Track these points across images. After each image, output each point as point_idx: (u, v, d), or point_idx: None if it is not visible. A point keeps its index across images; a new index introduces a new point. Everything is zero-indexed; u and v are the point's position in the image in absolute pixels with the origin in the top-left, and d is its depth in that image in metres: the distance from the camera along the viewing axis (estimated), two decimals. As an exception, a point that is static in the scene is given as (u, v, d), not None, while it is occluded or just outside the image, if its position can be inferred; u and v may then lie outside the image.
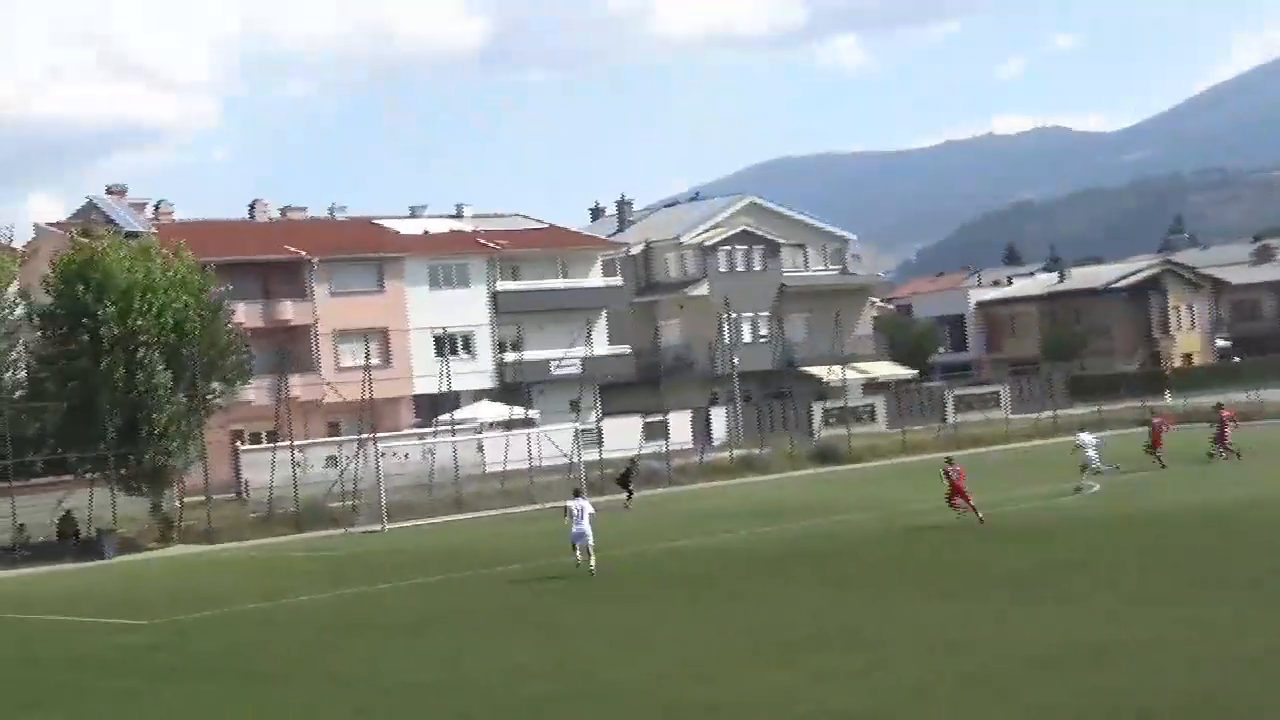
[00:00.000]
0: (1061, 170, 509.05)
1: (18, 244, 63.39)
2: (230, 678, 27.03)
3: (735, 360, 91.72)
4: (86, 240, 58.03)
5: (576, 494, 40.94)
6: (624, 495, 60.34)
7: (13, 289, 55.87)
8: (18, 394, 57.82)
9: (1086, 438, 53.79)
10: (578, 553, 38.03)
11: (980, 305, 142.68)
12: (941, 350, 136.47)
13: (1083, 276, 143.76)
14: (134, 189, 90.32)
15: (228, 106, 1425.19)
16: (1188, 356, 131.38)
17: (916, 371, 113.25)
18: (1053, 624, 25.77)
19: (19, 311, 56.69)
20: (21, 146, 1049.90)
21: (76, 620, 37.69)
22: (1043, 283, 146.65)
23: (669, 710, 21.32)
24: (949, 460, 44.94)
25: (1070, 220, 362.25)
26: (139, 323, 55.25)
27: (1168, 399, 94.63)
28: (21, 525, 55.56)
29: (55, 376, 56.71)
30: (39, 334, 58.45)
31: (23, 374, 58.84)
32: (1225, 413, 59.67)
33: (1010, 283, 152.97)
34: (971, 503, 42.57)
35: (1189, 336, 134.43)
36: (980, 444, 78.76)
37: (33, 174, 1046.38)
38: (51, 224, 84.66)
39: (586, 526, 37.85)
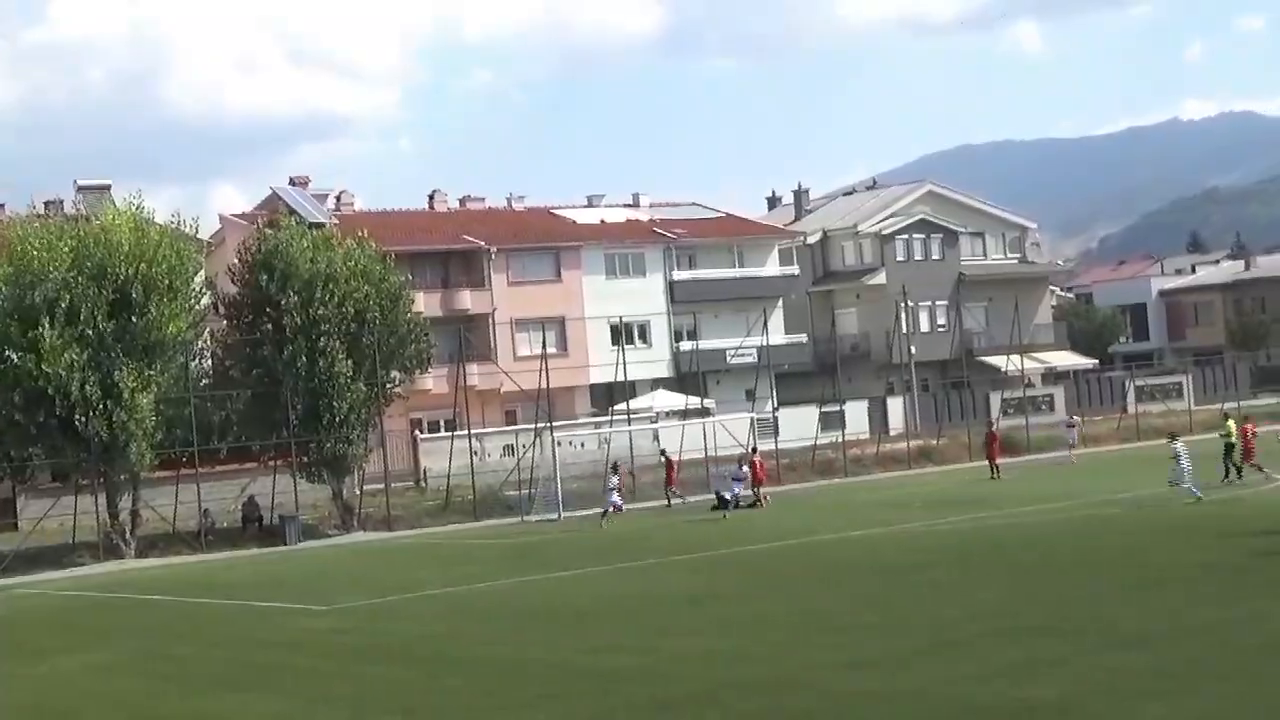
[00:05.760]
0: (1249, 157, 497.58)
1: (204, 234, 64.46)
2: (418, 662, 27.17)
3: (912, 349, 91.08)
4: (271, 231, 58.95)
5: None
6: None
7: (199, 279, 56.81)
8: (204, 382, 58.92)
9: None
10: None
11: (1163, 294, 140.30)
12: (1123, 339, 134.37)
13: (1269, 265, 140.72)
14: (316, 180, 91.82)
15: (410, 98, 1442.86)
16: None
17: (1097, 360, 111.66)
18: (1257, 615, 25.02)
19: (205, 301, 57.66)
20: (208, 139, 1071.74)
21: (264, 605, 38.22)
22: (1228, 271, 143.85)
23: (849, 697, 21.06)
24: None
25: (1258, 208, 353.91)
26: (320, 312, 55.99)
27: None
28: (206, 510, 56.64)
29: (239, 364, 57.68)
30: (224, 323, 59.53)
31: (209, 362, 59.96)
32: None
33: (1194, 271, 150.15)
34: None
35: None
36: (1162, 435, 77.28)
37: (217, 165, 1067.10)
38: (236, 214, 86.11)
39: None
